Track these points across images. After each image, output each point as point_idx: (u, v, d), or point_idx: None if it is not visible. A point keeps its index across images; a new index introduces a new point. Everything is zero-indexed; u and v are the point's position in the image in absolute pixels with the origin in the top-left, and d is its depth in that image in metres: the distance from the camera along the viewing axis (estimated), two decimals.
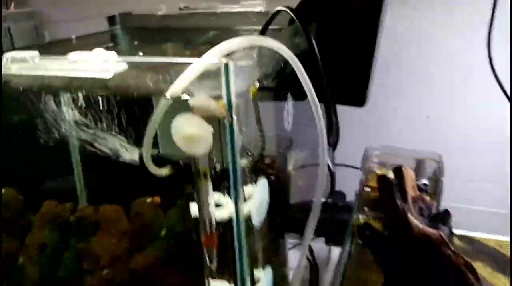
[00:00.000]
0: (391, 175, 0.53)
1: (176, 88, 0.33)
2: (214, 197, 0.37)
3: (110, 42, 0.63)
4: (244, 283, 0.39)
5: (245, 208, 0.36)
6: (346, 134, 0.68)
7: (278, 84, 0.42)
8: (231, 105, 0.32)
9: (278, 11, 0.43)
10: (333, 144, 0.69)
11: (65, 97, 0.48)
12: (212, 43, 0.34)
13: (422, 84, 0.77)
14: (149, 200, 0.64)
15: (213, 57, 0.32)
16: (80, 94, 0.44)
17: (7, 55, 0.39)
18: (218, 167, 0.36)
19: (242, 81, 0.33)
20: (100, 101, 0.43)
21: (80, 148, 0.63)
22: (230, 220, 0.37)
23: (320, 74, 0.42)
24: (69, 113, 0.47)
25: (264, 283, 0.43)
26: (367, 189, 0.57)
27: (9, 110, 0.54)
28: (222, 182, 0.37)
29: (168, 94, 0.33)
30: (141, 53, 0.56)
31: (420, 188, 0.54)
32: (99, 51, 0.38)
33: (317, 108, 0.42)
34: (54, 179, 0.66)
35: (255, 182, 0.39)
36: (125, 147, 0.45)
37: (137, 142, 0.44)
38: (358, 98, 0.49)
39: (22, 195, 0.65)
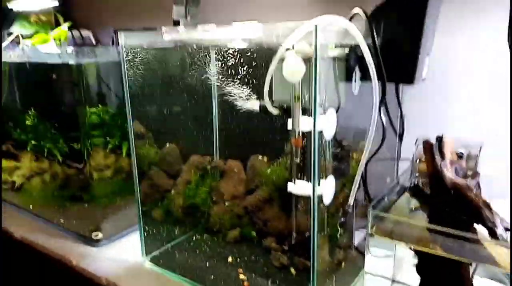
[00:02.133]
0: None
1: (288, 42, 0.57)
2: (302, 116, 0.60)
3: None
4: (314, 181, 0.58)
5: (319, 124, 0.57)
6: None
7: (348, 57, 0.63)
8: (316, 50, 0.54)
9: (356, 13, 0.66)
10: (399, 135, 0.86)
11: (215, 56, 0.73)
12: None
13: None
14: (260, 157, 0.88)
15: (310, 24, 0.56)
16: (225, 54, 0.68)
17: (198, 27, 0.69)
18: (306, 96, 0.59)
19: (324, 40, 0.56)
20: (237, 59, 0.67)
21: (219, 109, 0.90)
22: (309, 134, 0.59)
23: (379, 58, 0.63)
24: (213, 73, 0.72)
25: (329, 184, 0.62)
26: (419, 162, 0.73)
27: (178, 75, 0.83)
28: (307, 109, 0.59)
29: (284, 45, 0.57)
30: None
31: (457, 155, 0.68)
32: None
33: (375, 80, 0.61)
34: (201, 138, 0.95)
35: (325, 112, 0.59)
36: (251, 98, 0.71)
37: (259, 94, 0.68)
38: (408, 77, 0.67)
39: (178, 148, 0.95)
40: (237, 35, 0.64)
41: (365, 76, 0.63)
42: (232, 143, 0.91)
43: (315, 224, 0.61)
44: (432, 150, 0.66)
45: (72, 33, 1.40)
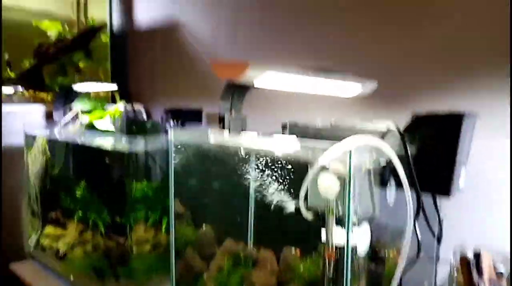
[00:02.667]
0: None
1: (324, 159, 0.60)
2: (336, 229, 0.62)
3: None
4: None
5: (352, 240, 0.59)
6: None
7: (384, 170, 0.65)
8: (350, 171, 0.57)
9: (390, 130, 0.69)
10: (437, 238, 0.85)
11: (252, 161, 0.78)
12: None
13: None
14: (293, 250, 0.88)
15: (346, 144, 0.59)
16: (264, 160, 0.73)
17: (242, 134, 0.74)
18: (340, 210, 0.61)
19: (358, 161, 0.59)
20: (274, 166, 0.72)
21: (255, 202, 0.94)
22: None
23: (411, 170, 0.65)
24: (252, 173, 0.77)
25: None
26: (456, 273, 0.71)
27: (221, 169, 0.89)
28: (341, 220, 0.61)
29: (320, 161, 0.60)
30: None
31: (497, 273, 0.66)
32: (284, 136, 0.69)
33: (408, 192, 0.63)
34: (236, 224, 0.98)
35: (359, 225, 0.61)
36: (286, 200, 0.74)
37: (294, 197, 0.71)
38: (445, 190, 0.68)
39: (214, 232, 0.98)
40: (275, 147, 0.68)
41: (401, 187, 0.65)
42: (267, 233, 0.93)
43: None
44: (469, 267, 0.65)
45: (125, 107, 1.52)
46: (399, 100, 1.03)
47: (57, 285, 1.13)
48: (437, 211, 0.80)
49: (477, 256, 0.66)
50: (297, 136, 0.92)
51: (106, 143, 1.10)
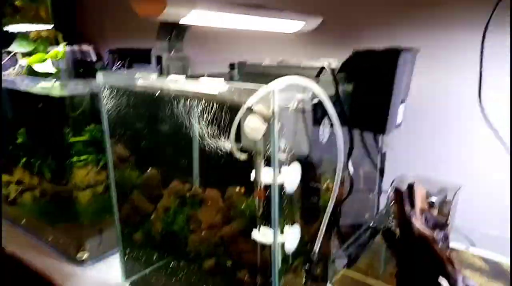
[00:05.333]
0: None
1: (250, 101, 0.57)
2: (264, 169, 0.61)
3: (228, 80, 0.93)
4: (275, 229, 0.60)
5: (280, 178, 0.58)
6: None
7: (316, 109, 0.63)
8: (273, 112, 0.55)
9: (323, 67, 0.66)
10: (380, 171, 0.86)
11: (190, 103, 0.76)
12: None
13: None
14: (237, 189, 0.89)
15: (270, 86, 0.56)
16: (199, 102, 0.71)
17: (169, 77, 0.70)
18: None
19: (284, 101, 0.57)
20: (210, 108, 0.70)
21: (198, 143, 0.92)
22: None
23: (343, 110, 0.63)
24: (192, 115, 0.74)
25: (292, 234, 0.63)
26: (392, 204, 0.73)
27: (159, 112, 0.86)
28: (268, 161, 0.60)
29: (246, 104, 0.58)
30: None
31: (429, 204, 0.68)
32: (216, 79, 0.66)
33: (338, 130, 0.62)
34: (181, 166, 0.97)
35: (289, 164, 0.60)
36: (223, 142, 0.72)
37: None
38: (381, 128, 0.68)
39: (160, 174, 0.97)
40: (202, 89, 0.65)
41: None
42: (212, 172, 0.93)
43: (276, 276, 0.62)
44: (402, 198, 0.66)
45: (72, 49, 1.41)
46: (347, 37, 0.99)
47: (9, 229, 1.12)
48: (377, 146, 0.80)
49: (410, 188, 0.67)
50: (245, 75, 0.88)
51: (44, 86, 1.03)
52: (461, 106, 0.83)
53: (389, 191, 0.75)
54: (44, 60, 1.17)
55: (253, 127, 0.57)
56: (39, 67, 1.15)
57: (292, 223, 0.63)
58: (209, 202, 0.91)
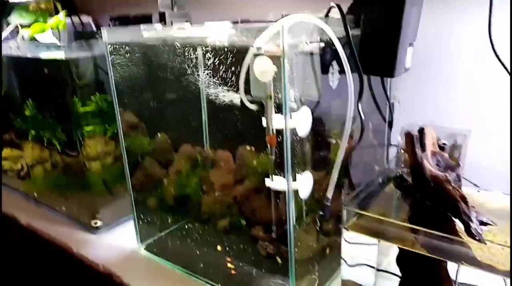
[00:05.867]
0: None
1: (258, 42, 0.56)
2: (275, 115, 0.60)
3: None
4: (288, 176, 0.60)
5: (291, 122, 0.57)
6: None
7: (325, 53, 0.62)
8: (283, 50, 0.54)
9: (332, 6, 0.64)
10: (388, 123, 0.85)
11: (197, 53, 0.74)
12: None
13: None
14: (248, 148, 0.88)
15: (278, 25, 0.55)
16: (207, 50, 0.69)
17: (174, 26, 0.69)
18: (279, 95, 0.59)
19: (293, 39, 0.55)
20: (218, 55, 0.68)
21: (207, 104, 0.92)
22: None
23: (353, 50, 0.62)
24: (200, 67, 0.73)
25: (306, 179, 0.63)
26: (403, 152, 0.72)
27: (166, 68, 0.85)
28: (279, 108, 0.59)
29: (254, 45, 0.57)
30: None
31: (440, 146, 0.67)
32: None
33: (349, 74, 0.60)
34: (191, 129, 0.96)
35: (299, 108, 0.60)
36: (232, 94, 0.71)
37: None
38: (389, 71, 0.66)
39: (170, 139, 0.96)
40: (210, 35, 0.63)
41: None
42: (222, 133, 0.92)
43: (291, 220, 0.62)
44: (413, 141, 0.65)
45: (72, 20, 1.40)
46: None
47: (22, 203, 1.13)
48: (386, 94, 0.79)
49: (421, 131, 0.66)
50: None
51: (50, 54, 1.02)
52: (470, 51, 0.81)
53: (399, 139, 0.74)
54: (45, 30, 1.16)
55: (263, 69, 0.56)
56: (41, 38, 1.14)
57: (304, 169, 0.62)
58: (220, 163, 0.91)
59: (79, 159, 1.03)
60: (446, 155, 0.67)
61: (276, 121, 0.60)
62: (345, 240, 0.66)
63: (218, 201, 0.88)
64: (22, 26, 1.22)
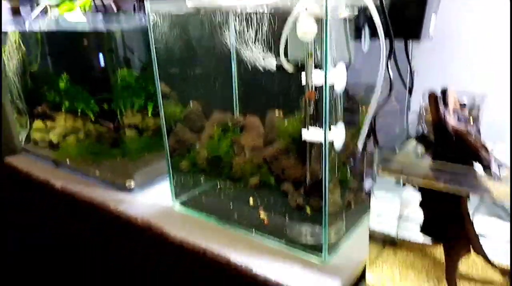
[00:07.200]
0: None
1: (303, 3, 0.64)
2: (315, 71, 0.68)
3: None
4: (325, 127, 0.67)
5: (329, 78, 0.65)
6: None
7: (358, 18, 0.70)
8: (326, 12, 0.61)
9: None
10: (409, 89, 0.93)
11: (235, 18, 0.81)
12: None
13: None
14: (277, 112, 0.96)
15: None
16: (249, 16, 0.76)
17: None
18: (318, 54, 0.66)
19: (335, 2, 0.63)
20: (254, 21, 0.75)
21: (237, 70, 0.99)
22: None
23: (385, 15, 0.69)
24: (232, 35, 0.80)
25: (340, 131, 0.70)
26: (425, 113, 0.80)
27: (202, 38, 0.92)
28: (320, 64, 0.66)
29: (297, 6, 0.64)
30: None
31: (461, 105, 0.75)
32: None
33: (382, 35, 0.68)
34: (221, 96, 1.03)
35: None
36: (268, 57, 0.78)
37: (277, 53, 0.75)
38: (415, 33, 0.74)
39: (201, 106, 1.04)
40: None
41: (375, 35, 0.70)
42: (251, 100, 0.99)
43: (327, 166, 0.69)
44: (437, 100, 0.73)
45: (94, 2, 1.47)
46: None
47: (55, 171, 1.19)
48: (409, 60, 0.87)
49: (444, 92, 0.74)
50: None
51: (83, 26, 1.09)
52: (488, 24, 0.88)
53: (421, 100, 0.82)
54: (73, 9, 1.23)
55: (306, 29, 0.64)
56: (70, 17, 1.21)
57: (337, 123, 0.70)
58: (250, 127, 0.98)
59: (114, 127, 1.10)
60: (466, 112, 0.75)
61: (315, 77, 0.68)
62: (373, 190, 0.73)
63: (248, 162, 0.95)
64: (51, 6, 1.29)
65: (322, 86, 0.65)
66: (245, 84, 0.98)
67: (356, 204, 0.84)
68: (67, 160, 1.17)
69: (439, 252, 0.76)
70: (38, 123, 1.26)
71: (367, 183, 0.89)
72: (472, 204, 0.70)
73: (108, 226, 1.01)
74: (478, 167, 0.69)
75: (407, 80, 0.89)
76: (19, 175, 1.23)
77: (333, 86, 0.67)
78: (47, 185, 1.13)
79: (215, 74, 0.99)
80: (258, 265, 0.73)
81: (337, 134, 0.71)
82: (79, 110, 1.16)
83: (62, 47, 1.21)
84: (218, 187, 0.98)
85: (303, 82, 0.70)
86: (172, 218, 0.91)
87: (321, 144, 0.69)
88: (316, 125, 0.72)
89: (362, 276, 0.73)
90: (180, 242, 0.83)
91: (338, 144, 0.71)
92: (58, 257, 1.34)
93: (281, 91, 0.90)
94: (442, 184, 0.66)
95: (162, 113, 0.93)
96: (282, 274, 0.71)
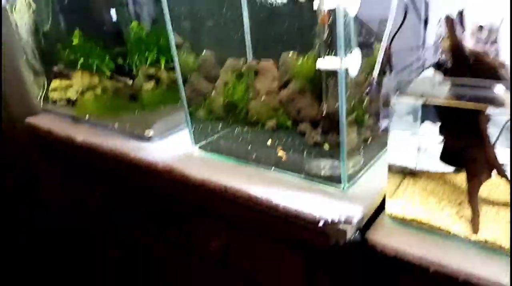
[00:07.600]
0: None
1: None
2: None
3: None
4: (341, 54, 0.66)
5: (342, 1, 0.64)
6: None
7: None
8: None
9: None
10: (424, 21, 0.91)
11: None
12: None
13: None
14: (290, 53, 0.95)
15: None
16: None
17: None
18: None
19: None
20: None
21: (249, 13, 0.98)
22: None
23: None
24: None
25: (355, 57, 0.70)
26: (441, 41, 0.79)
27: None
28: None
29: None
30: None
31: (478, 28, 0.74)
32: None
33: None
34: (234, 43, 1.03)
35: None
36: None
37: None
38: None
39: (214, 54, 1.04)
40: None
41: None
42: (264, 44, 0.99)
43: (343, 101, 0.69)
44: (453, 23, 0.72)
45: None
46: None
47: (74, 125, 1.22)
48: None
49: (460, 14, 0.72)
50: None
51: None
52: None
53: (436, 28, 0.81)
54: None
55: None
56: None
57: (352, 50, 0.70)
58: (264, 71, 0.98)
59: (130, 82, 1.11)
60: (484, 34, 0.74)
61: (327, 1, 0.67)
62: (391, 122, 0.73)
63: (264, 105, 0.96)
64: None
65: (335, 9, 0.65)
66: (257, 28, 0.98)
67: (374, 139, 0.84)
68: (86, 115, 1.19)
69: (459, 179, 0.76)
70: (55, 83, 1.28)
71: (384, 121, 0.90)
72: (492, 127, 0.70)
73: (130, 172, 1.04)
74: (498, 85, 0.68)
75: (422, 12, 0.88)
76: (40, 134, 1.26)
77: (346, 9, 0.66)
78: (68, 140, 1.15)
79: (226, 20, 0.99)
80: (278, 197, 0.75)
81: (352, 61, 0.70)
82: (94, 66, 1.17)
83: (74, 3, 1.21)
84: (236, 131, 0.99)
85: (315, 8, 0.70)
86: (192, 161, 0.93)
87: (336, 72, 0.69)
88: (331, 54, 0.72)
89: (381, 205, 0.75)
90: (202, 182, 0.85)
91: (354, 71, 0.71)
92: (81, 208, 1.39)
93: (293, 32, 0.90)
94: (461, 101, 0.66)
95: (176, 62, 0.93)
96: (302, 204, 0.72)
